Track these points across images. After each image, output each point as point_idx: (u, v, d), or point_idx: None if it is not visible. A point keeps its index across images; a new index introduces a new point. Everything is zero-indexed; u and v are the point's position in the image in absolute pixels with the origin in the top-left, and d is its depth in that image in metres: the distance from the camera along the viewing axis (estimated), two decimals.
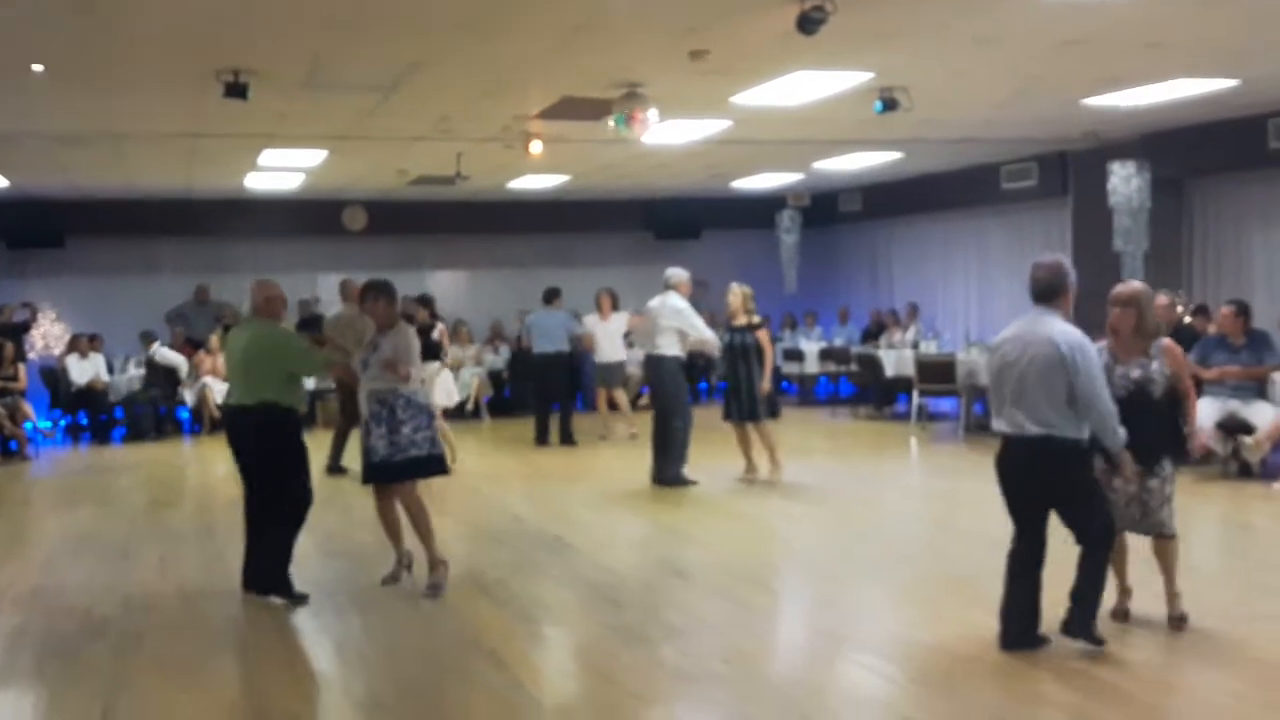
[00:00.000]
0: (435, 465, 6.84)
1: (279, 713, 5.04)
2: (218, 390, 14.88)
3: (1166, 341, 5.72)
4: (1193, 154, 12.52)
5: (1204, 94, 10.19)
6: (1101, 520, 5.36)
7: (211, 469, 12.27)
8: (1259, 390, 9.79)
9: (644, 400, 16.16)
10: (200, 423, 15.02)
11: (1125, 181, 12.83)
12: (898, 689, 5.15)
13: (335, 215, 17.79)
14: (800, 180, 17.13)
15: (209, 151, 12.10)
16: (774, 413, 10.46)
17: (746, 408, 10.35)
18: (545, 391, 13.43)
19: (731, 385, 10.50)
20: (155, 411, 14.98)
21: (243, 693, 5.32)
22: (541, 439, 13.17)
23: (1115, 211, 12.95)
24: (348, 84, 8.84)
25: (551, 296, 13.65)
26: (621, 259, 18.52)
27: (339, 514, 9.32)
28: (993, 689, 5.02)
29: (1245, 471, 9.70)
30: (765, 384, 10.31)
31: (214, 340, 15.26)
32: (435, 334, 11.25)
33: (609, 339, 13.44)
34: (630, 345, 13.99)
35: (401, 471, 6.69)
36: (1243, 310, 10.00)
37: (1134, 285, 5.86)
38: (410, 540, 7.00)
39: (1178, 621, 5.68)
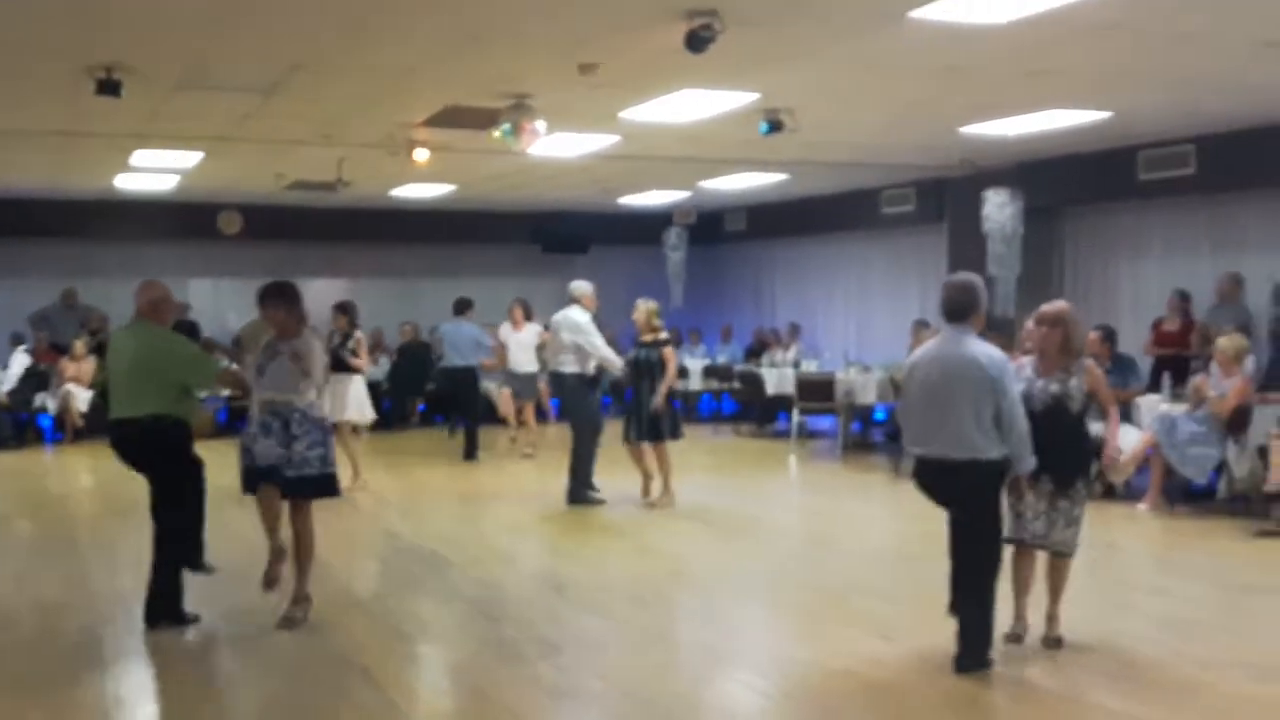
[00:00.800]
0: (327, 486, 6.34)
1: None
2: (81, 398, 14.37)
3: (1088, 362, 5.84)
4: (1065, 184, 12.95)
5: (1077, 125, 10.53)
6: (993, 547, 5.40)
7: (73, 480, 11.80)
8: (1123, 414, 10.11)
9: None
10: (63, 431, 14.44)
11: (999, 209, 13.20)
12: (772, 705, 5.16)
13: (210, 219, 17.28)
14: (687, 198, 17.25)
15: (79, 150, 11.66)
16: (675, 433, 10.03)
17: (646, 427, 9.94)
18: (455, 405, 13.11)
19: (634, 403, 10.06)
20: (15, 419, 14.37)
21: (100, 713, 5.08)
22: (471, 454, 12.72)
23: (989, 238, 13.31)
24: (225, 84, 8.59)
25: (463, 307, 13.27)
26: (508, 271, 18.39)
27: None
28: (866, 707, 5.07)
29: (1110, 493, 10.00)
30: (659, 400, 9.81)
31: (79, 346, 14.72)
32: (351, 343, 10.78)
33: (521, 350, 13.03)
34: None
35: (290, 487, 6.19)
36: (1109, 335, 10.34)
37: (1059, 304, 5.92)
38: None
39: (1053, 642, 5.70)
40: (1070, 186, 12.95)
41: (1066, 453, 5.61)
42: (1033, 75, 8.49)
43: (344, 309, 11.17)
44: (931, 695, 5.12)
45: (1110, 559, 8.37)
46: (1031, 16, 6.70)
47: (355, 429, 11.04)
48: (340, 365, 10.38)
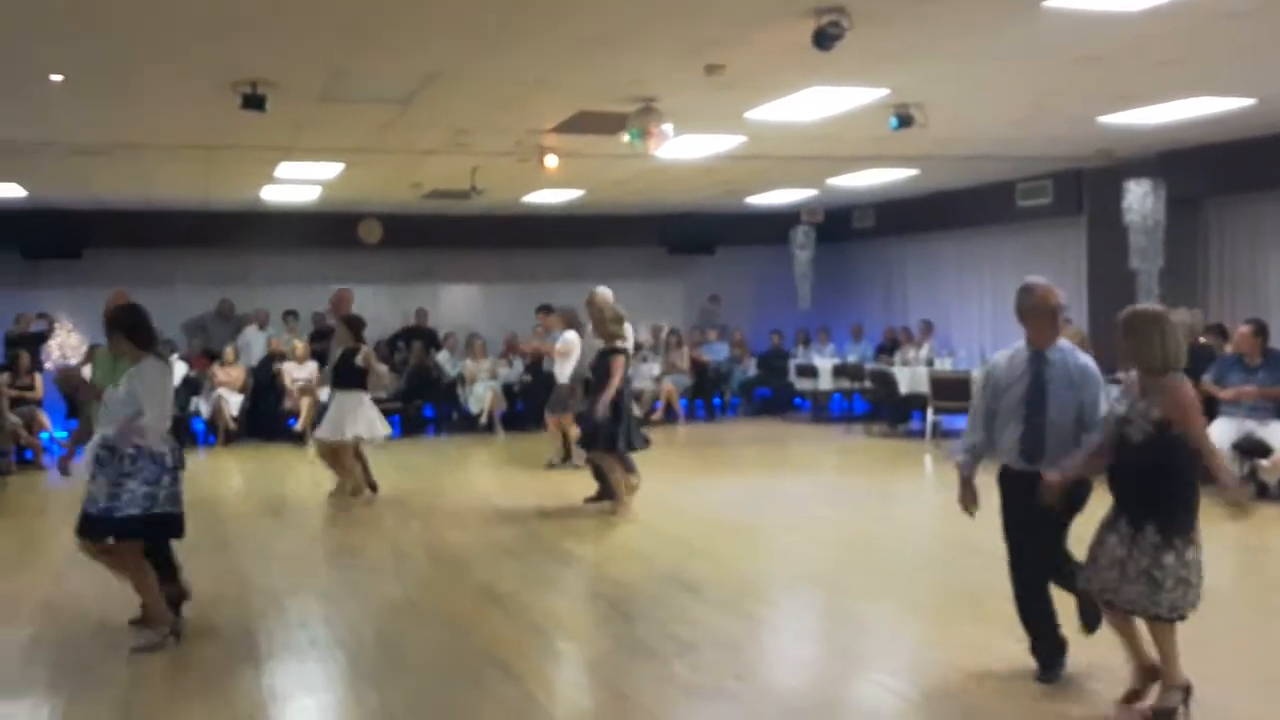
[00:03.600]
0: (169, 526, 6.06)
1: None
2: (232, 402, 14.98)
3: (1174, 380, 4.73)
4: (1209, 173, 12.49)
5: (1220, 113, 10.17)
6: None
7: (225, 480, 12.29)
8: (1276, 411, 9.73)
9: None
10: (215, 434, 15.06)
11: (1141, 200, 12.80)
12: (911, 706, 5.12)
13: (351, 228, 17.85)
14: (814, 196, 17.14)
15: (226, 163, 12.15)
16: (631, 444, 9.51)
17: (603, 437, 9.49)
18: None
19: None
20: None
21: (259, 705, 5.31)
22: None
23: (1130, 230, 12.92)
24: (365, 96, 8.88)
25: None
26: (635, 273, 18.54)
27: (352, 526, 9.38)
28: (1007, 707, 4.99)
29: (1262, 493, 9.63)
30: (600, 409, 9.33)
31: (230, 352, 15.35)
32: (359, 359, 10.30)
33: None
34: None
35: (120, 528, 5.88)
36: (1260, 330, 9.95)
37: (1134, 308, 5.04)
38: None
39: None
40: (1215, 176, 12.49)
41: (1133, 491, 4.78)
42: (1169, 63, 8.24)
43: (349, 323, 10.52)
44: (1080, 700, 5.02)
45: (1261, 561, 8.07)
46: (1165, 5, 6.51)
47: (359, 446, 10.54)
48: (348, 381, 10.29)
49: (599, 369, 9.64)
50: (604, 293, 10.25)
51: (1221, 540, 8.35)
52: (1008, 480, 5.27)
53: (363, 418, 10.28)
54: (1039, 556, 5.20)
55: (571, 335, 11.86)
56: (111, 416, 5.93)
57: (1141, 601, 4.68)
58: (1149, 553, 4.65)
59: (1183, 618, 4.71)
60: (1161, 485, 4.70)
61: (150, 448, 5.96)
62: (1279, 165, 11.54)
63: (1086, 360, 5.22)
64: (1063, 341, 5.29)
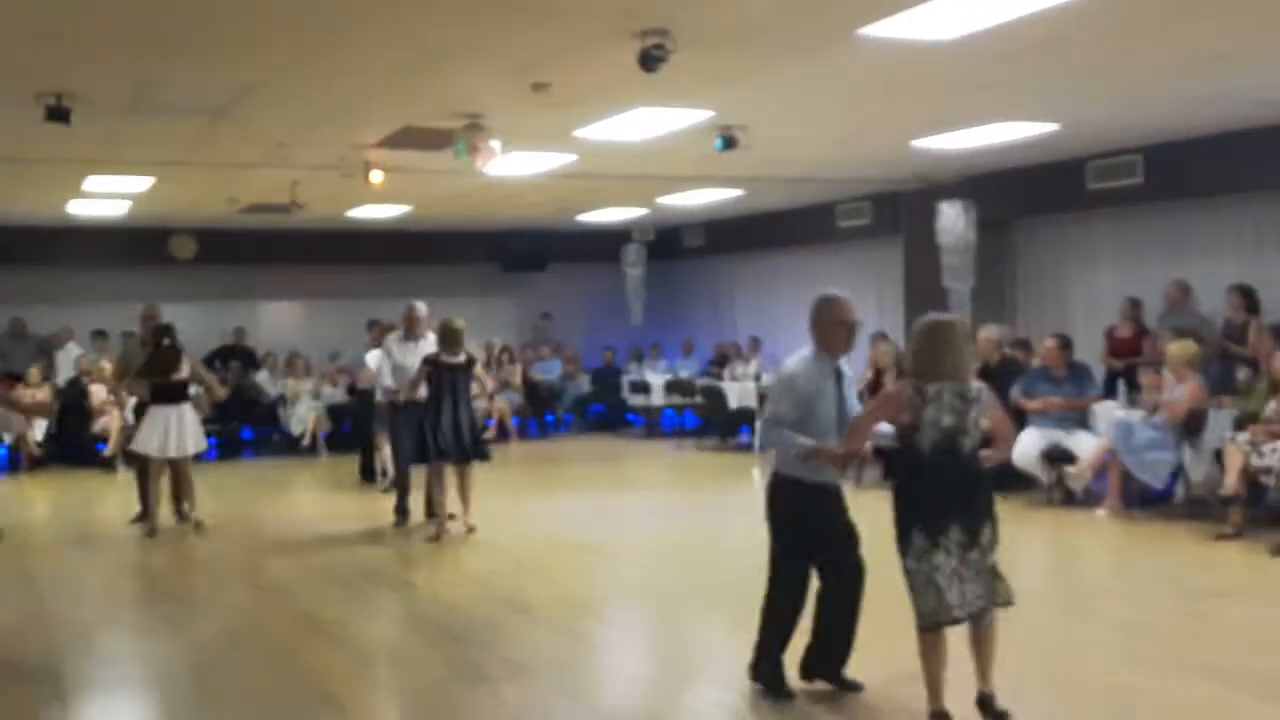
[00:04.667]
0: None
1: None
2: (37, 427, 14.19)
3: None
4: (1016, 195, 13.11)
5: (1026, 137, 10.67)
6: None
7: (29, 508, 11.63)
8: (1080, 420, 10.25)
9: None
10: (20, 459, 14.24)
11: (953, 221, 13.35)
12: (739, 718, 5.17)
13: (163, 243, 17.14)
14: (645, 215, 17.29)
15: (29, 176, 11.53)
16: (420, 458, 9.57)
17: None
18: None
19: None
20: None
21: None
22: None
23: (944, 250, 13.46)
24: (175, 108, 8.53)
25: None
26: (467, 290, 18.34)
27: (169, 556, 8.99)
28: (834, 716, 5.09)
29: (1069, 499, 10.11)
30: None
31: (34, 374, 14.54)
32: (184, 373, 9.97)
33: None
34: None
35: None
36: (1065, 344, 10.47)
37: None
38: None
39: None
40: (1021, 198, 13.12)
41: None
42: (980, 89, 8.60)
43: (155, 334, 10.11)
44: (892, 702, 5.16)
45: (1071, 564, 8.47)
46: (976, 33, 6.79)
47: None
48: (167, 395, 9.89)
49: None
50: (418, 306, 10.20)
51: (1031, 544, 8.76)
52: (828, 495, 5.34)
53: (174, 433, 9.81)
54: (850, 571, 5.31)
55: (373, 353, 11.55)
56: None
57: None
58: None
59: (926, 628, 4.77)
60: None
61: None
62: (1081, 188, 12.18)
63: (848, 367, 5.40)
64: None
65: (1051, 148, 11.37)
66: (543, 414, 17.61)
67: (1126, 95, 9.02)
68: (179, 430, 9.83)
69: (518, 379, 17.21)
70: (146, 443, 9.81)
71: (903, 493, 4.86)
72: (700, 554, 8.84)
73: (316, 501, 11.97)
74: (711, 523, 10.31)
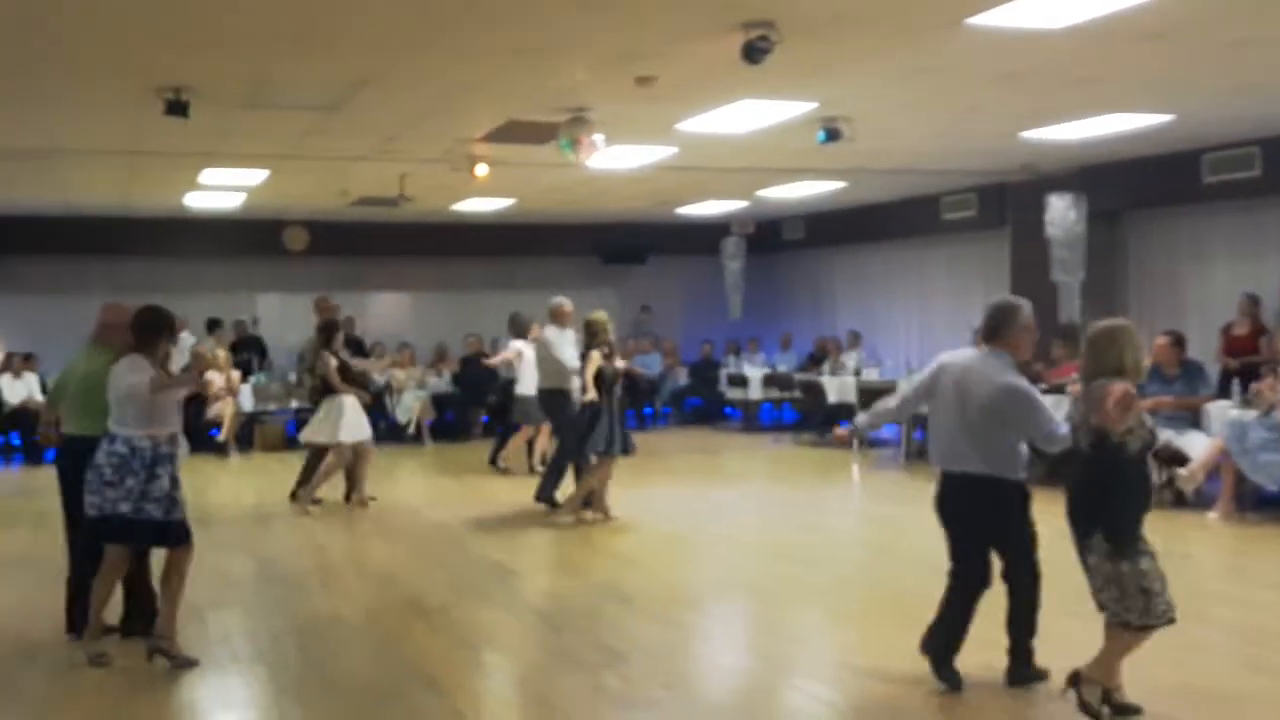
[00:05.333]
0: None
1: None
2: None
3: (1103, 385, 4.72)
4: (1129, 187, 12.78)
5: (1139, 129, 10.41)
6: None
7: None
8: (1192, 420, 9.96)
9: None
10: None
11: (1062, 213, 13.06)
12: (837, 714, 5.14)
13: (276, 235, 17.60)
14: (745, 208, 17.25)
15: (149, 169, 11.94)
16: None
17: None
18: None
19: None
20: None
21: None
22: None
23: (1053, 243, 13.17)
24: (290, 103, 8.77)
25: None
26: (568, 283, 18.40)
27: (278, 539, 9.24)
28: (934, 715, 5.04)
29: (1180, 501, 9.84)
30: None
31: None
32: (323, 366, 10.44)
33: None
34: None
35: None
36: (1178, 341, 10.18)
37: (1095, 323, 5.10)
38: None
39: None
40: (1134, 190, 12.79)
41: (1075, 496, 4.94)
42: (1090, 80, 8.42)
43: (320, 329, 10.79)
44: (995, 707, 5.09)
45: (1182, 568, 8.25)
46: (1086, 23, 6.66)
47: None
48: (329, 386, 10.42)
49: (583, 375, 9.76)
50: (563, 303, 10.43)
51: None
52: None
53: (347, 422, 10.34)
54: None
55: (517, 343, 11.90)
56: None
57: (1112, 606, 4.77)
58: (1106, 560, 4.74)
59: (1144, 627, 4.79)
60: (1097, 495, 4.79)
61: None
62: (1195, 179, 11.84)
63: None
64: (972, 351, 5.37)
65: (1165, 139, 11.07)
66: (640, 407, 17.69)
67: (1244, 86, 8.74)
68: (357, 416, 10.39)
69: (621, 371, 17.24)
70: (332, 430, 10.28)
71: (1118, 496, 4.77)
72: (798, 549, 8.80)
73: (422, 488, 12.18)
74: (809, 518, 10.27)
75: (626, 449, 9.68)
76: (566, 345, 10.21)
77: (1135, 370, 4.83)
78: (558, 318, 10.34)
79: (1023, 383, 5.19)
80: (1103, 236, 13.22)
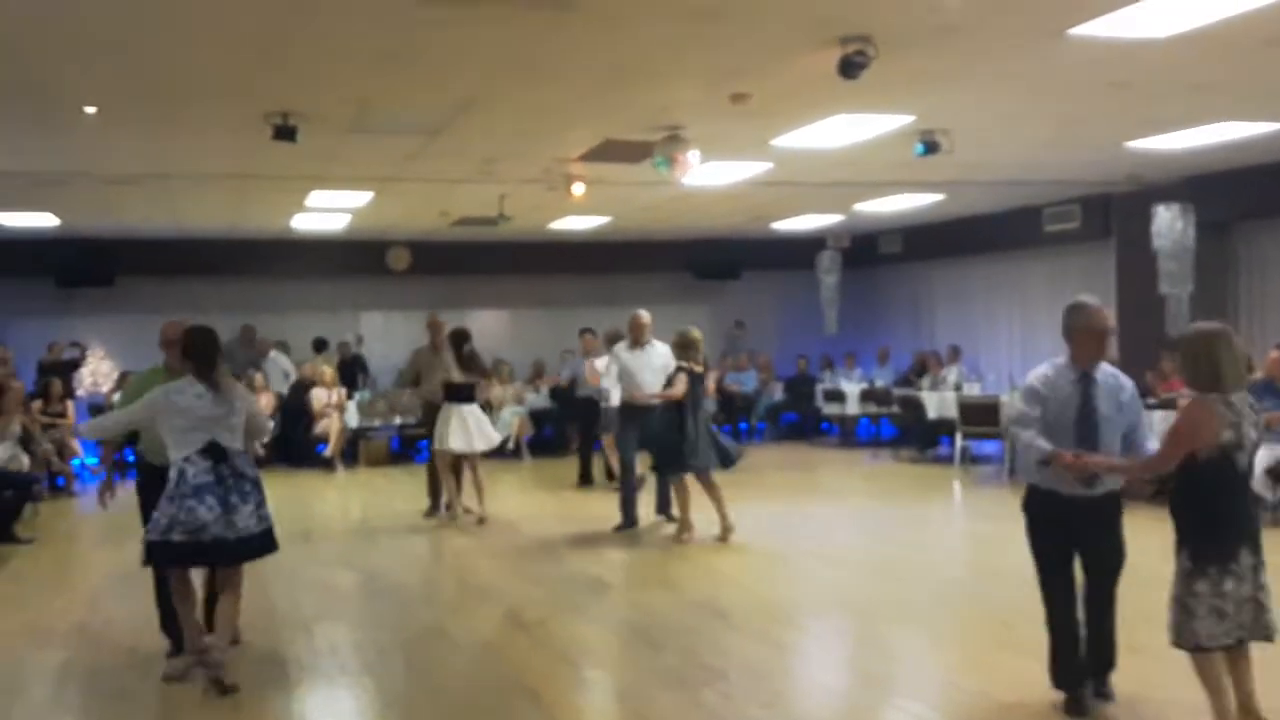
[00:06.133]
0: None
1: None
2: None
3: (1183, 402, 4.77)
4: (1239, 197, 12.43)
5: (1249, 137, 10.13)
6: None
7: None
8: None
9: None
10: None
11: (1170, 224, 12.74)
12: None
13: (379, 255, 18.00)
14: (840, 221, 17.14)
15: (257, 192, 12.30)
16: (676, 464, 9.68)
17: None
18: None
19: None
20: None
21: None
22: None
23: (1160, 255, 12.85)
24: (394, 127, 8.97)
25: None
26: (662, 299, 18.49)
27: (382, 553, 9.42)
28: None
29: None
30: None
31: (258, 379, 15.45)
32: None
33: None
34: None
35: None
36: None
37: (1192, 326, 5.01)
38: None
39: None
40: (1245, 200, 12.43)
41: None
42: (1197, 89, 8.22)
43: (450, 339, 10.91)
44: None
45: None
46: (1191, 32, 6.51)
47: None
48: (459, 394, 10.61)
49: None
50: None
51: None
52: (1057, 505, 5.11)
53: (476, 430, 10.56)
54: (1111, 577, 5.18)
55: (603, 359, 11.94)
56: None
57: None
58: (1181, 579, 4.58)
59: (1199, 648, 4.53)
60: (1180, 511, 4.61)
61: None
62: None
63: (1129, 381, 5.17)
64: (1104, 364, 5.21)
65: (1276, 148, 10.75)
66: (736, 422, 17.65)
67: None
68: (478, 427, 10.57)
69: (711, 387, 17.25)
70: (449, 439, 10.46)
71: (1193, 511, 4.55)
72: (898, 566, 8.71)
73: (521, 504, 12.29)
74: (909, 535, 10.14)
75: (725, 461, 9.61)
76: (643, 360, 10.14)
77: (1235, 379, 4.53)
78: (633, 330, 10.35)
79: (1030, 380, 5.10)
80: (1211, 247, 12.87)
